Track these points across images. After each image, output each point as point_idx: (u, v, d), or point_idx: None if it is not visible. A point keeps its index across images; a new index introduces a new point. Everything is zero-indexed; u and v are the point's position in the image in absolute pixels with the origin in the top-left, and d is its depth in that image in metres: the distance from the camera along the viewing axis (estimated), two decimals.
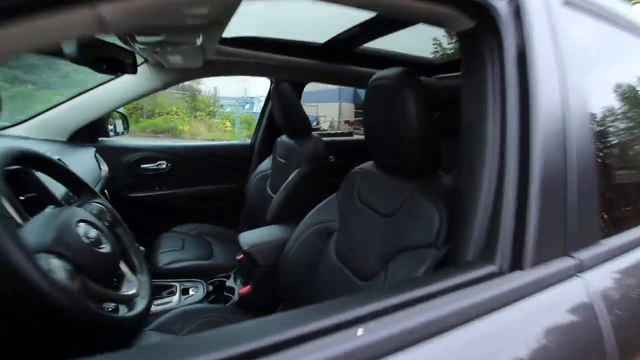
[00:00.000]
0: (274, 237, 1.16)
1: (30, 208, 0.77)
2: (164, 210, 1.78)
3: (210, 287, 1.18)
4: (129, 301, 0.64)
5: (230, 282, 1.25)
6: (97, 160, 1.55)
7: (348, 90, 14.78)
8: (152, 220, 1.78)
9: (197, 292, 1.14)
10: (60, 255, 0.53)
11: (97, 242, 0.62)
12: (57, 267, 0.50)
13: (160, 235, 1.53)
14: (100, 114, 1.53)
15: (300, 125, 1.44)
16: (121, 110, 1.82)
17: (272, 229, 1.25)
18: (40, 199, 0.81)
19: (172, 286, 1.15)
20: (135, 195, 1.70)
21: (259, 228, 1.26)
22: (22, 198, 0.77)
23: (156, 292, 1.10)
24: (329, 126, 14.63)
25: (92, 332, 0.52)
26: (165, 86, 1.55)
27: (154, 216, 1.79)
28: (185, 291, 1.14)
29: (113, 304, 0.66)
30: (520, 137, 0.50)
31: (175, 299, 1.08)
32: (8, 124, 1.39)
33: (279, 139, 1.65)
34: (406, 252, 0.73)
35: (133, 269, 0.76)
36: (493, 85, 0.52)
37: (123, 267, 0.72)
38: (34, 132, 1.42)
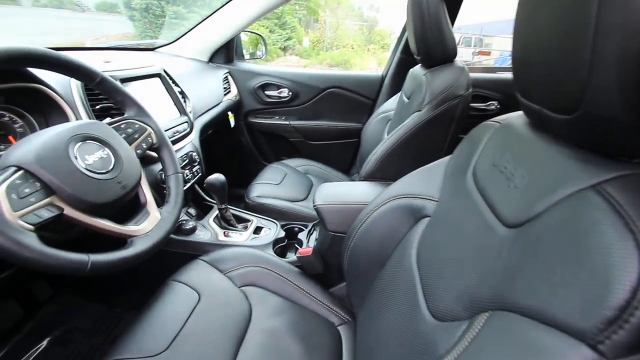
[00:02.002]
0: (354, 199, 0.89)
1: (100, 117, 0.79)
2: (279, 141, 1.76)
3: (282, 233, 1.07)
4: (124, 239, 0.56)
5: (303, 234, 1.10)
6: (228, 82, 1.60)
7: None
8: (266, 148, 1.81)
9: (267, 234, 1.05)
10: (30, 175, 0.46)
11: (96, 165, 0.54)
12: (12, 186, 0.43)
13: (267, 165, 1.51)
14: (233, 32, 1.51)
15: (438, 47, 0.98)
16: (261, 33, 1.79)
17: (358, 187, 0.97)
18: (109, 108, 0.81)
19: (249, 221, 1.10)
20: (256, 121, 1.72)
21: (345, 182, 1.01)
22: (98, 107, 0.79)
23: (233, 224, 1.07)
24: None
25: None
26: None
27: (269, 145, 1.80)
28: (257, 230, 1.07)
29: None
30: None
31: (244, 235, 1.02)
32: (166, 41, 1.56)
33: (411, 70, 1.24)
34: (517, 317, 0.33)
35: (162, 200, 0.69)
36: None
37: (148, 195, 0.64)
38: (184, 51, 1.56)
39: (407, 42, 1.48)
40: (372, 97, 1.63)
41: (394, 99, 1.39)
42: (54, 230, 0.53)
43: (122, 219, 0.59)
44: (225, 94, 1.52)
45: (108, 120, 0.65)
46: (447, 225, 0.56)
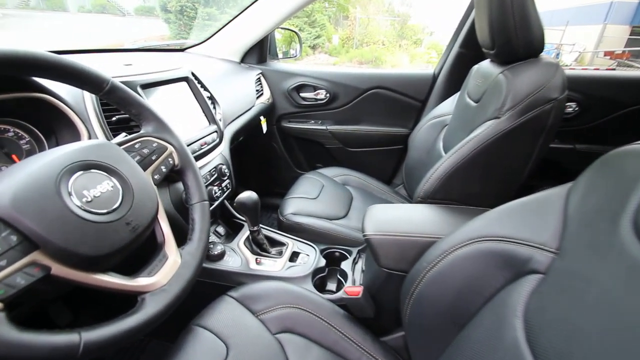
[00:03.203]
0: (414, 228, 0.72)
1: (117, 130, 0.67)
2: (315, 148, 1.60)
3: (322, 261, 0.92)
4: (132, 299, 0.43)
5: (347, 263, 0.93)
6: (261, 84, 1.48)
7: (626, 4, 9.73)
8: (300, 156, 1.66)
9: (305, 262, 0.90)
10: (3, 224, 0.34)
11: (98, 203, 0.41)
12: None
13: (302, 175, 1.36)
14: (266, 30, 1.38)
15: (520, 37, 0.78)
16: (295, 29, 1.65)
17: (417, 212, 0.79)
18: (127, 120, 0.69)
19: (283, 244, 0.96)
20: (290, 126, 1.58)
21: (400, 205, 0.84)
22: (114, 119, 0.67)
23: (266, 248, 0.93)
24: (576, 59, 10.45)
25: None
26: None
27: (304, 152, 1.65)
28: (293, 256, 0.93)
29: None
30: None
31: (279, 263, 0.88)
32: (197, 41, 1.46)
33: (475, 67, 1.04)
34: None
35: (181, 233, 0.56)
36: None
37: (166, 233, 0.51)
38: (215, 51, 1.45)
39: (467, 34, 1.27)
40: (422, 98, 1.43)
41: (451, 101, 1.19)
42: (34, 294, 0.40)
43: (131, 269, 0.45)
44: (257, 97, 1.39)
45: (119, 139, 0.52)
46: (586, 296, 0.38)
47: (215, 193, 0.90)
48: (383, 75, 1.45)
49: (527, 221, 0.50)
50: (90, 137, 0.63)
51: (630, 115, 1.25)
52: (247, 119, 1.25)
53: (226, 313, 0.70)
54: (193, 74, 0.97)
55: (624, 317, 0.32)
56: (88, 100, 0.65)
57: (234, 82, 1.31)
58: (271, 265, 0.89)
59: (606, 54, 9.46)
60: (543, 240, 0.47)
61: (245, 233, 0.97)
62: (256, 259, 0.89)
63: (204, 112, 0.94)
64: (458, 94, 1.14)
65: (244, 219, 1.00)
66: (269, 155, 1.64)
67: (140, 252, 0.48)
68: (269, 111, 1.50)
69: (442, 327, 0.58)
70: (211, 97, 1.01)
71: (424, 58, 12.03)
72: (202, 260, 0.54)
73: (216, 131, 0.94)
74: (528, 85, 0.75)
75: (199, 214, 0.58)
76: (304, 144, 1.62)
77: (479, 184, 0.83)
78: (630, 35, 10.48)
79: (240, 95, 1.29)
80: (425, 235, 0.70)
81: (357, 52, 11.98)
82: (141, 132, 0.55)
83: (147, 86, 0.77)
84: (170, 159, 0.57)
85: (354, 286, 0.77)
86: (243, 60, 1.49)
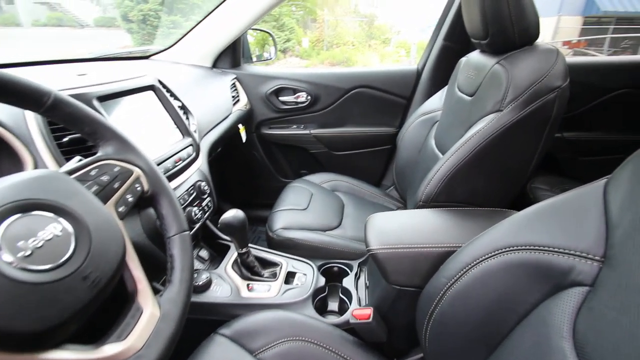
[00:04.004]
0: (422, 238, 0.65)
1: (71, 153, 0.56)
2: (299, 154, 1.52)
3: (322, 280, 0.83)
4: None
5: (349, 280, 0.85)
6: (236, 89, 1.37)
7: None
8: (284, 163, 1.57)
9: (302, 283, 0.81)
10: None
11: (40, 257, 0.31)
12: None
13: (289, 184, 1.27)
14: (238, 32, 1.28)
15: (516, 24, 0.73)
16: (269, 30, 1.56)
17: (422, 218, 0.73)
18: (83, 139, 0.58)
19: (276, 265, 0.86)
20: (270, 132, 1.48)
21: (401, 211, 0.77)
22: (66, 139, 0.56)
23: (257, 271, 0.83)
24: None
25: None
26: None
27: (287, 159, 1.56)
28: (289, 276, 0.84)
29: None
30: None
31: (274, 287, 0.79)
32: (162, 47, 1.34)
33: (464, 59, 0.99)
34: None
35: (157, 272, 0.46)
36: None
37: (138, 279, 0.41)
38: (183, 57, 1.34)
39: (451, 27, 1.23)
40: (407, 95, 1.38)
41: (439, 96, 1.14)
42: None
43: (95, 334, 0.35)
44: (234, 104, 1.29)
45: (69, 165, 0.41)
46: None
47: (196, 215, 0.79)
48: (365, 74, 1.39)
49: (563, 226, 0.44)
50: (36, 165, 0.51)
51: (613, 99, 1.25)
52: (225, 128, 1.14)
53: (219, 356, 0.60)
54: (160, 82, 0.86)
55: None
56: (31, 119, 0.53)
57: (207, 89, 1.20)
58: (265, 290, 0.79)
59: (564, 43, 9.97)
60: (585, 247, 0.40)
61: (232, 256, 0.87)
62: (248, 284, 0.80)
63: (175, 123, 0.83)
64: (446, 88, 1.10)
65: (230, 240, 0.90)
66: (250, 165, 1.53)
67: (106, 307, 0.38)
68: (247, 118, 1.40)
69: (470, 350, 0.51)
70: (183, 107, 0.91)
71: (393, 57, 12.21)
72: (186, 308, 0.44)
73: (191, 144, 0.84)
74: (529, 74, 0.70)
75: (179, 249, 0.48)
76: (287, 150, 1.53)
77: (484, 183, 0.77)
78: (583, 25, 11.11)
79: (216, 103, 1.18)
80: (439, 245, 0.63)
81: (328, 54, 11.98)
82: (98, 154, 0.45)
83: (105, 98, 0.66)
84: (137, 185, 0.46)
85: (361, 308, 0.69)
86: (215, 65, 1.39)
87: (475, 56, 0.92)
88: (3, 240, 0.29)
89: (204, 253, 0.92)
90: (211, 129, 1.05)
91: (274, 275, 0.83)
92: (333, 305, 0.83)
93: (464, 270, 0.51)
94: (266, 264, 0.88)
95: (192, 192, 0.81)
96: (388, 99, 1.39)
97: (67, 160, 0.52)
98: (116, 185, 0.43)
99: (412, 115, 1.21)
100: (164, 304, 0.42)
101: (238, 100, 1.34)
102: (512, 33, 0.74)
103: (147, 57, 1.31)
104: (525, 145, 0.73)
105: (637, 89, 1.22)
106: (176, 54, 1.33)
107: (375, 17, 14.89)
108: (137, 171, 0.47)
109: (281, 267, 0.85)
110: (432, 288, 0.56)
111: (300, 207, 1.10)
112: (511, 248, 0.47)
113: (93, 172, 0.42)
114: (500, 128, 0.71)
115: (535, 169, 0.77)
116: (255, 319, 0.67)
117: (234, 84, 1.35)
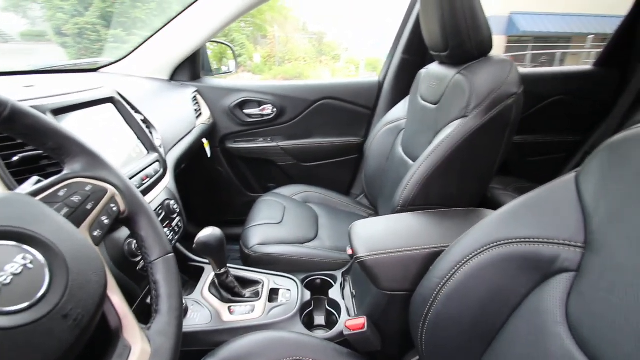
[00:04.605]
0: (408, 241, 0.66)
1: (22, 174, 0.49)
2: (266, 167, 1.49)
3: (307, 294, 0.81)
4: None
5: (335, 290, 0.84)
6: (198, 103, 1.32)
7: (497, 18, 11.69)
8: (251, 178, 1.53)
9: (288, 299, 0.78)
10: None
11: (10, 295, 0.25)
12: None
13: (260, 198, 1.23)
14: (198, 44, 1.24)
15: (473, 38, 0.80)
16: (228, 43, 1.53)
17: (403, 222, 0.74)
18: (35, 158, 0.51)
19: (257, 283, 0.82)
20: (235, 146, 1.44)
21: (382, 217, 0.77)
22: (16, 158, 0.49)
23: (238, 292, 0.78)
24: None
25: None
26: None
27: (258, 172, 1.52)
28: (273, 294, 0.80)
29: None
30: None
31: (258, 308, 0.74)
32: (111, 59, 1.24)
33: (423, 71, 1.05)
34: None
35: (134, 302, 0.41)
36: None
37: (122, 313, 0.36)
38: (137, 69, 1.25)
39: (409, 41, 1.30)
40: (370, 106, 1.42)
41: (402, 106, 1.19)
42: None
43: None
44: (197, 117, 1.23)
45: (29, 186, 0.35)
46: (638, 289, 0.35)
47: (167, 236, 0.73)
48: (329, 85, 1.42)
49: (544, 218, 0.47)
50: None
51: (550, 105, 1.41)
52: (189, 143, 1.08)
53: None
54: (119, 94, 0.79)
55: None
56: None
57: (168, 102, 1.14)
58: (249, 311, 0.74)
59: None
60: (567, 235, 0.44)
61: (208, 278, 0.81)
62: (229, 307, 0.74)
63: (139, 138, 0.76)
64: (408, 98, 1.15)
65: (205, 260, 0.84)
66: (215, 181, 1.46)
67: (87, 349, 0.32)
68: (210, 132, 1.34)
69: (466, 346, 0.52)
70: (145, 121, 0.84)
71: (344, 72, 12.70)
72: (179, 340, 0.39)
73: (158, 160, 0.77)
74: (489, 82, 0.76)
75: (164, 274, 0.43)
76: (253, 164, 1.49)
77: (457, 184, 0.81)
78: (507, 43, 12.55)
79: (179, 116, 1.12)
80: (426, 247, 0.64)
81: (280, 69, 12.11)
82: (65, 172, 0.39)
83: (60, 111, 0.58)
84: (113, 205, 0.41)
85: (353, 318, 0.68)
86: (173, 77, 1.32)
87: (435, 67, 0.98)
88: None
89: None
90: (175, 144, 0.99)
91: (257, 295, 0.79)
92: (320, 320, 0.81)
93: (456, 268, 0.53)
94: (246, 283, 0.83)
95: (160, 212, 0.75)
96: (352, 109, 1.43)
97: (19, 183, 0.45)
98: (89, 206, 0.38)
99: (378, 125, 1.25)
100: (153, 337, 0.37)
101: (200, 114, 1.28)
102: (469, 46, 0.81)
103: (95, 70, 1.21)
104: (490, 147, 0.79)
105: (569, 95, 1.40)
106: (128, 67, 1.25)
107: (325, 35, 15.43)
108: (111, 189, 0.42)
109: (263, 285, 0.81)
110: (424, 290, 0.57)
111: (274, 221, 1.07)
112: (499, 242, 0.49)
113: (61, 193, 0.36)
114: (468, 132, 0.76)
115: (498, 169, 0.83)
116: (243, 343, 0.62)
117: (195, 97, 1.29)
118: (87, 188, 0.39)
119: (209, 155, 1.30)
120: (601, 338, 0.36)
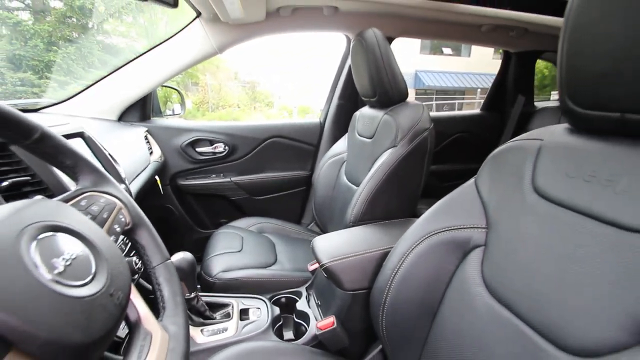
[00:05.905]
0: (364, 247, 0.80)
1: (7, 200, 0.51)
2: (219, 202, 1.53)
3: (277, 310, 0.86)
4: None
5: (302, 303, 0.91)
6: (149, 142, 1.34)
7: (407, 75, 13.79)
8: (207, 212, 1.55)
9: (259, 316, 0.83)
10: None
11: (72, 273, 0.31)
12: None
13: (215, 231, 1.26)
14: (150, 87, 1.30)
15: (394, 88, 1.03)
16: (178, 88, 1.61)
17: (356, 234, 0.88)
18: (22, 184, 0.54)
19: (227, 305, 0.85)
20: (189, 183, 1.47)
21: (338, 231, 0.90)
22: (5, 184, 0.51)
23: (209, 315, 0.80)
24: None
25: None
26: (220, 49, 1.27)
27: (210, 208, 1.55)
28: (243, 314, 0.84)
29: None
30: None
31: (232, 326, 0.78)
32: (54, 100, 1.22)
33: (358, 113, 1.27)
34: None
35: (158, 304, 0.46)
36: None
37: (140, 306, 0.41)
38: (82, 110, 1.25)
39: (343, 90, 1.54)
40: (314, 143, 1.60)
41: (343, 142, 1.39)
42: None
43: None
44: (150, 154, 1.25)
45: (61, 196, 0.40)
46: (523, 249, 0.52)
47: (137, 264, 0.74)
48: (277, 125, 1.57)
49: (457, 212, 0.65)
50: None
51: (453, 141, 1.77)
52: (145, 179, 1.10)
53: None
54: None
55: (552, 252, 0.47)
56: None
57: (121, 140, 1.15)
58: (222, 330, 0.77)
59: None
60: (474, 221, 0.61)
61: None
62: (201, 330, 0.76)
63: (109, 171, 0.79)
64: (346, 135, 1.36)
65: None
66: (166, 218, 1.44)
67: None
68: (161, 170, 1.36)
69: (418, 323, 0.65)
70: (111, 155, 0.87)
71: (278, 118, 13.27)
72: (188, 329, 0.45)
73: (127, 191, 0.80)
74: (409, 120, 0.99)
75: (165, 276, 0.49)
76: (205, 200, 1.52)
77: (395, 200, 0.99)
78: (416, 95, 14.70)
79: (134, 153, 1.14)
80: (378, 249, 0.78)
81: (214, 115, 12.14)
82: (79, 187, 0.44)
83: None
84: (121, 216, 0.47)
85: (323, 319, 0.76)
86: (121, 118, 1.34)
87: (366, 110, 1.21)
88: (40, 258, 0.29)
89: None
90: (134, 179, 1.01)
91: (227, 316, 0.82)
92: (289, 335, 0.86)
93: (402, 260, 0.67)
94: (216, 307, 0.85)
95: (127, 242, 0.76)
96: (299, 146, 1.59)
97: None
98: (105, 215, 0.43)
99: (323, 159, 1.42)
100: (167, 327, 0.42)
101: (152, 153, 1.31)
102: (392, 93, 1.04)
103: (36, 110, 1.17)
104: (415, 170, 1.00)
105: (466, 132, 1.78)
106: (73, 108, 1.24)
107: (257, 83, 16.09)
108: (118, 203, 0.47)
109: (233, 307, 0.85)
110: (380, 283, 0.69)
111: (235, 250, 1.11)
112: (429, 234, 0.65)
113: (82, 203, 0.42)
114: (399, 158, 0.96)
115: (422, 192, 1.04)
116: (221, 357, 0.65)
117: (146, 136, 1.32)
118: (102, 200, 0.44)
119: (162, 192, 1.31)
120: (505, 287, 0.52)
